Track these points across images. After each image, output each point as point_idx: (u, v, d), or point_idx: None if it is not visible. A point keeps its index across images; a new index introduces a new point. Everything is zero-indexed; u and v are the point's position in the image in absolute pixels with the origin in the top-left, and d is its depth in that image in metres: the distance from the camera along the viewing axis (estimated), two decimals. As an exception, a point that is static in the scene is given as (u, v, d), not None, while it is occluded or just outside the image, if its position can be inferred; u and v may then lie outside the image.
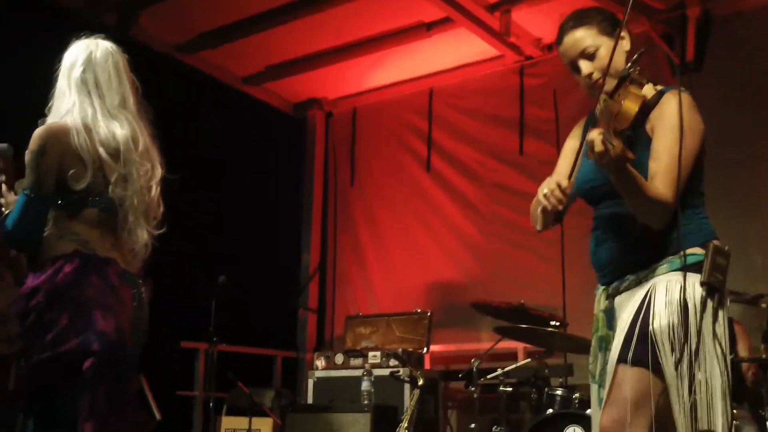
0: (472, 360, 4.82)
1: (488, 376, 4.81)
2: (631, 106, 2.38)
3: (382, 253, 7.31)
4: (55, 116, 2.81)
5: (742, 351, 4.87)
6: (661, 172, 2.39)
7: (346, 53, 6.85)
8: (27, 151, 2.71)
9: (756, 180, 5.69)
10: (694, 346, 2.28)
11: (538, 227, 2.54)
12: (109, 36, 3.02)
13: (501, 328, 4.77)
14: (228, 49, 6.84)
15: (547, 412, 4.42)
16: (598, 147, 2.22)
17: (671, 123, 2.41)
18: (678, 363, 2.28)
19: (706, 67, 5.91)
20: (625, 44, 2.58)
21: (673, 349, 2.30)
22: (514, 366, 4.84)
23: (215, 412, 5.56)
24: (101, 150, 2.74)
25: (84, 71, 2.84)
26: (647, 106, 2.50)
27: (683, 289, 2.31)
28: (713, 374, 2.30)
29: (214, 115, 6.88)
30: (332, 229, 7.75)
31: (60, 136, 2.71)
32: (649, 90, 2.52)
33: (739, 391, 4.64)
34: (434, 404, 5.61)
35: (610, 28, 2.57)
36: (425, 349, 5.98)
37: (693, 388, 2.26)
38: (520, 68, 6.75)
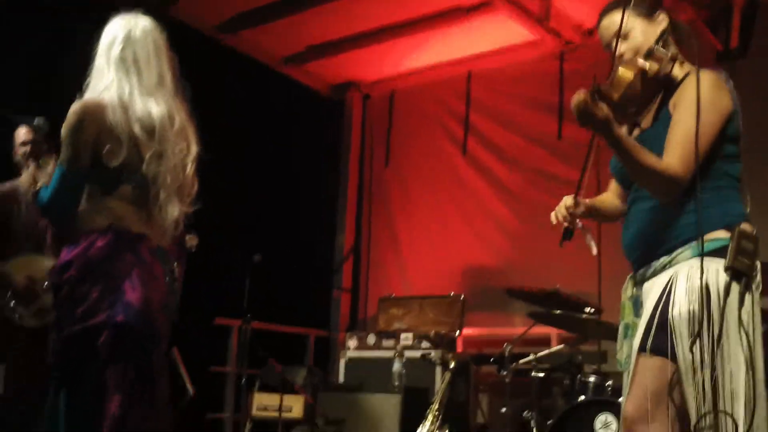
0: (505, 344, 4.81)
1: (520, 361, 4.79)
2: (625, 73, 2.38)
3: (416, 236, 7.31)
4: (93, 93, 2.81)
5: None
6: (671, 145, 2.37)
7: (385, 35, 6.81)
8: (63, 126, 2.72)
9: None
10: (716, 333, 2.22)
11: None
12: (149, 14, 3.03)
13: (534, 314, 4.75)
14: (268, 29, 6.82)
15: (579, 399, 4.39)
16: (574, 107, 2.23)
17: (689, 99, 2.38)
18: (694, 350, 2.23)
19: (751, 54, 5.81)
20: (661, 27, 2.55)
21: (691, 338, 2.24)
22: (546, 352, 4.82)
23: (247, 388, 5.61)
24: (136, 127, 2.75)
25: (123, 49, 2.85)
26: (671, 87, 2.49)
27: (705, 274, 2.25)
28: (737, 362, 2.24)
29: (253, 95, 6.91)
30: (367, 210, 7.77)
31: (96, 113, 2.72)
32: (677, 70, 2.52)
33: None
34: (465, 387, 5.60)
35: (648, 11, 2.56)
36: (457, 332, 5.98)
37: (714, 376, 2.21)
38: (560, 53, 6.68)
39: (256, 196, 6.85)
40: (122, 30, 2.88)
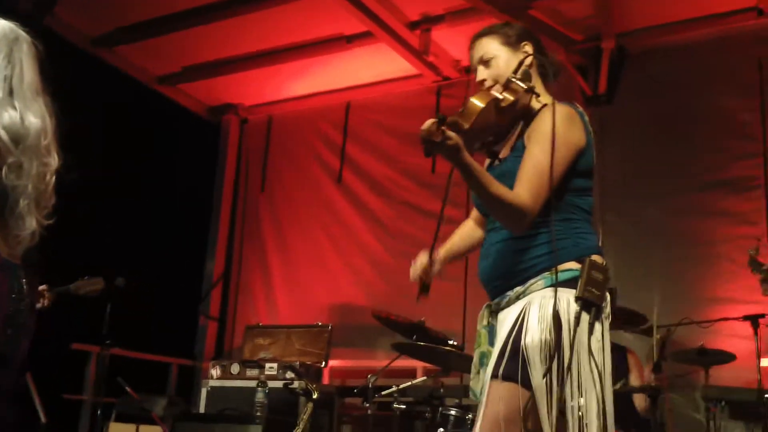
0: (369, 376, 4.77)
1: (383, 393, 4.76)
2: (476, 103, 2.34)
3: (287, 264, 7.24)
4: None
5: (635, 380, 4.93)
6: (521, 177, 2.38)
7: (266, 60, 6.79)
8: None
9: (662, 213, 5.80)
10: (566, 363, 2.26)
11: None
12: (23, 23, 2.90)
13: (399, 345, 4.73)
14: (145, 46, 6.71)
15: (439, 431, 4.38)
16: (420, 136, 2.18)
17: (540, 132, 2.41)
18: (547, 378, 2.25)
19: (617, 100, 6.04)
20: (527, 60, 2.56)
21: (543, 365, 2.27)
22: (408, 384, 4.79)
23: (103, 418, 5.37)
24: (1, 132, 2.62)
25: (10, 56, 2.71)
26: (528, 119, 2.51)
27: (556, 304, 2.28)
28: (587, 390, 2.27)
29: (126, 114, 6.71)
30: (239, 236, 7.65)
31: None
32: (535, 103, 2.54)
33: (628, 419, 4.70)
34: (329, 419, 5.53)
35: (516, 40, 2.58)
36: (323, 363, 5.90)
37: (564, 404, 2.24)
38: (437, 88, 6.77)
39: (124, 216, 6.63)
40: (3, 35, 2.74)
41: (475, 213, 2.82)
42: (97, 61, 6.69)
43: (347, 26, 6.26)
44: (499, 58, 2.57)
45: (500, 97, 2.43)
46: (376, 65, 6.71)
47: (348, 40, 6.40)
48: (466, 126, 2.28)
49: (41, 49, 2.85)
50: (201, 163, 7.73)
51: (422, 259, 2.63)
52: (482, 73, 2.59)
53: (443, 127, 2.16)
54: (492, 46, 2.59)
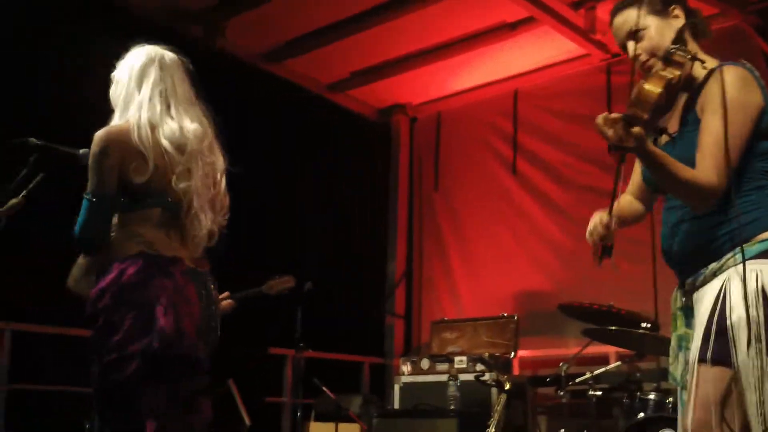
0: (561, 364, 4.70)
1: (576, 380, 4.68)
2: (651, 90, 2.21)
3: (468, 258, 7.24)
4: (123, 113, 2.84)
5: None
6: (703, 154, 2.26)
7: (430, 57, 6.81)
8: (89, 154, 2.74)
9: None
10: None
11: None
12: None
13: (589, 331, 4.63)
14: (312, 57, 6.86)
15: (639, 416, 4.26)
16: (604, 133, 2.13)
17: (714, 102, 2.27)
18: (756, 357, 2.12)
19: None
20: (676, 22, 2.43)
21: (750, 344, 2.13)
22: (602, 370, 4.69)
23: (303, 418, 5.58)
24: (165, 143, 2.77)
25: (156, 73, 2.89)
26: (694, 87, 2.38)
27: (760, 277, 2.15)
28: None
29: (300, 123, 6.95)
30: (417, 234, 7.73)
31: (120, 136, 2.74)
32: (698, 67, 2.38)
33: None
34: (522, 409, 5.50)
35: (662, 6, 2.43)
36: (512, 353, 5.88)
37: None
38: (607, 66, 6.58)
39: (306, 223, 6.85)
40: (150, 57, 2.93)
41: (632, 187, 2.69)
42: (269, 76, 6.93)
43: (509, 13, 6.18)
44: (650, 29, 2.42)
45: (671, 77, 2.29)
46: (541, 50, 6.60)
47: (512, 27, 6.33)
48: (646, 116, 2.18)
49: (187, 62, 3.02)
50: (375, 165, 7.87)
51: (603, 218, 2.44)
52: (633, 47, 2.44)
53: (629, 128, 2.10)
54: (639, 18, 2.42)
